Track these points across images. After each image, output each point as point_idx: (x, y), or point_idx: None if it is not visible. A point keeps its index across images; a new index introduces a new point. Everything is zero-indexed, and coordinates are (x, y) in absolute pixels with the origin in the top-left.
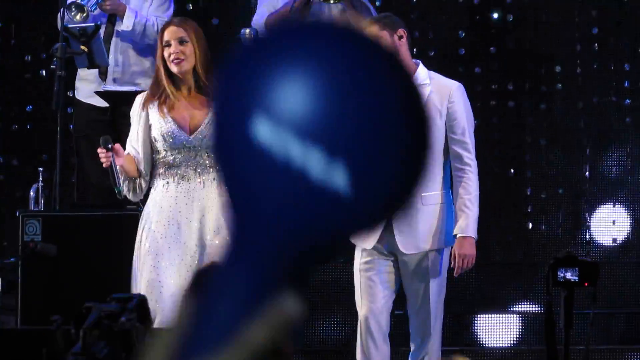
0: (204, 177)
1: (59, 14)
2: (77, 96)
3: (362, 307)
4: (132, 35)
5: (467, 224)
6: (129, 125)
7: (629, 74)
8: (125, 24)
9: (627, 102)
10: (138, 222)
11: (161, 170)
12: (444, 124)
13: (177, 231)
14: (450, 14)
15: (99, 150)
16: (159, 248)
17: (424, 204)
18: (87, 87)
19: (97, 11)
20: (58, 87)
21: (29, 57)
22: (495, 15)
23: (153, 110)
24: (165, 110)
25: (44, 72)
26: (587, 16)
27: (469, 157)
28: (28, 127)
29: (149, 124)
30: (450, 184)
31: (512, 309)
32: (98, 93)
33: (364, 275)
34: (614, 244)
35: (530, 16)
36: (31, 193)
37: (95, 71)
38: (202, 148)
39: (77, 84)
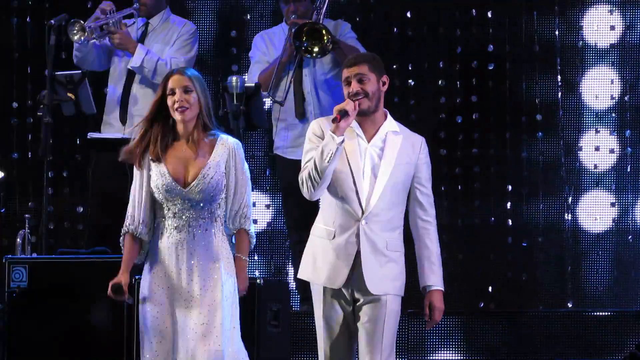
0: (195, 229)
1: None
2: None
3: (325, 354)
4: (141, 72)
5: (439, 278)
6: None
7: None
8: (134, 60)
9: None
10: None
11: (159, 221)
12: (412, 174)
13: (168, 281)
14: (431, 62)
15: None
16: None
17: (389, 249)
18: (111, 132)
19: (102, 41)
20: (45, 134)
21: (16, 104)
22: (476, 64)
23: (150, 161)
24: (162, 161)
25: (31, 119)
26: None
27: (433, 211)
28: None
29: (148, 174)
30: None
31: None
32: (87, 140)
33: (326, 321)
34: None
35: (512, 66)
36: (18, 240)
37: (117, 116)
38: (197, 199)
39: (103, 128)
